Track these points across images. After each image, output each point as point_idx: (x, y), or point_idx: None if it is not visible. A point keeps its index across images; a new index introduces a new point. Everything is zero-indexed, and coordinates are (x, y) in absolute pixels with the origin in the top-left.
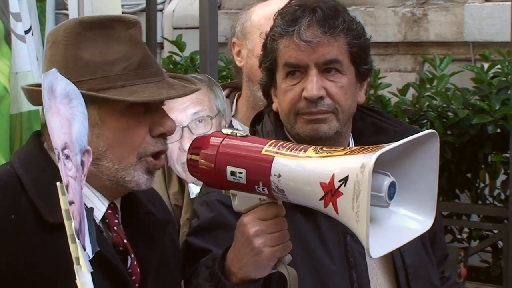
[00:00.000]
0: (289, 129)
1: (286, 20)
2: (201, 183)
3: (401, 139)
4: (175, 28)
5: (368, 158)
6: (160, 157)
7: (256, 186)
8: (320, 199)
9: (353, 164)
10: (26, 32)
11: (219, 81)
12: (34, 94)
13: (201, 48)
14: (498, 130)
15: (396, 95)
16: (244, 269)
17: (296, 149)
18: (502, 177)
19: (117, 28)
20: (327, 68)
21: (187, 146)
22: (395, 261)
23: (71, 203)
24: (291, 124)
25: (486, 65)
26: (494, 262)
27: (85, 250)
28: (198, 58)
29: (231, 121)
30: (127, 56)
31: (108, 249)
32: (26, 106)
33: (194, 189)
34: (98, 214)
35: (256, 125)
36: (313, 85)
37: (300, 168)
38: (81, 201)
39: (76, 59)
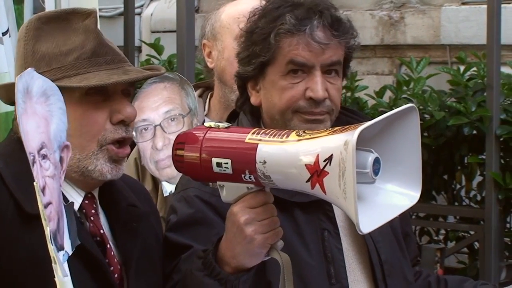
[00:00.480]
0: (278, 124)
1: (296, 18)
2: (175, 181)
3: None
4: (153, 32)
5: (351, 135)
6: (125, 145)
7: (242, 175)
8: (307, 181)
9: (336, 142)
10: (4, 34)
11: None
12: (3, 90)
13: (178, 51)
14: (474, 132)
15: (373, 97)
16: (238, 258)
17: (278, 135)
18: (478, 178)
19: (73, 20)
20: (328, 69)
21: (160, 144)
22: (372, 257)
23: (48, 204)
24: (286, 120)
25: (462, 68)
26: (471, 263)
27: (63, 249)
28: (176, 61)
29: (204, 121)
30: (81, 45)
31: (87, 239)
32: (4, 107)
33: (167, 187)
34: (75, 205)
35: (231, 122)
36: (319, 86)
37: (284, 152)
38: (59, 199)
39: (34, 53)
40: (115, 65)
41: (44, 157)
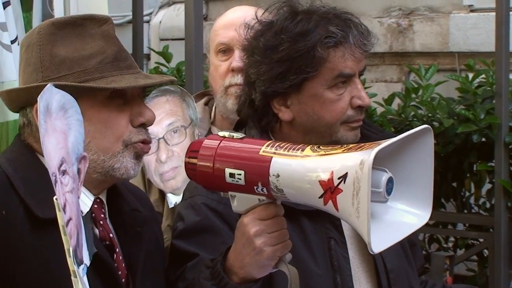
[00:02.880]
0: (319, 137)
1: (342, 29)
2: (179, 192)
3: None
4: (161, 39)
5: (367, 154)
6: (147, 144)
7: (255, 187)
8: (320, 197)
9: (351, 161)
10: (12, 41)
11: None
12: (14, 94)
13: (187, 59)
14: (483, 139)
15: (381, 104)
16: (246, 269)
17: (293, 149)
18: (487, 186)
19: (89, 26)
20: (360, 75)
21: (163, 157)
22: (377, 265)
23: (69, 220)
24: (333, 132)
25: (471, 75)
26: (480, 270)
27: (83, 263)
28: (184, 68)
29: (209, 128)
30: (101, 50)
31: (97, 244)
32: (13, 115)
33: (173, 198)
34: (85, 209)
35: (238, 130)
36: (364, 93)
37: (298, 167)
38: (78, 213)
39: (52, 57)
40: (133, 70)
41: (64, 173)
